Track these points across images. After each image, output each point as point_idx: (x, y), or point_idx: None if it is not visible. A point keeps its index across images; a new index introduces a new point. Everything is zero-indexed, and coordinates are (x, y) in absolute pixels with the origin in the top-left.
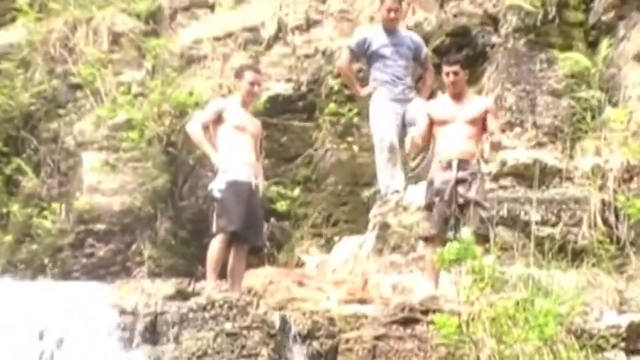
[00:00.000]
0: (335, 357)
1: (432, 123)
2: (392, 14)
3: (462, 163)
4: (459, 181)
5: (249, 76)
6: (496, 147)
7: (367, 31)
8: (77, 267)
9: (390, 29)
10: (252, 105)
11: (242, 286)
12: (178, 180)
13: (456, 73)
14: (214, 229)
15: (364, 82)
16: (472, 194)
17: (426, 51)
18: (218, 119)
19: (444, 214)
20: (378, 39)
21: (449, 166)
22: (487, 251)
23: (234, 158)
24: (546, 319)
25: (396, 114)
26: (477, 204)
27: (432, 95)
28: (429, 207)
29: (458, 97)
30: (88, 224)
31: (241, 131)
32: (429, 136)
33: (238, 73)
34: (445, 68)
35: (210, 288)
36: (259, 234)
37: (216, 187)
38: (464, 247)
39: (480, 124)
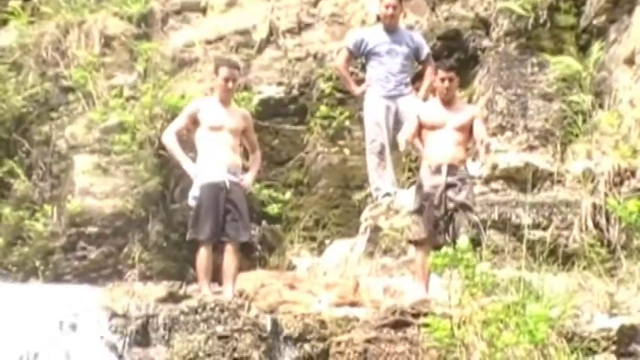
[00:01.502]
0: None
1: (421, 126)
2: (390, 10)
3: (451, 169)
4: (449, 186)
5: (223, 72)
6: (487, 150)
7: (364, 31)
8: (69, 270)
9: (390, 27)
10: (230, 99)
11: (236, 285)
12: (170, 183)
13: (451, 80)
14: (187, 236)
15: (363, 84)
16: (462, 198)
17: (427, 50)
18: (195, 121)
19: (433, 218)
20: (375, 38)
21: (438, 170)
22: (478, 255)
23: (207, 160)
24: (537, 322)
25: (388, 110)
26: (467, 208)
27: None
28: (418, 211)
29: (448, 103)
30: (79, 227)
31: (217, 131)
32: (418, 138)
33: (215, 69)
34: (441, 74)
35: (203, 293)
36: (243, 229)
37: (192, 194)
38: (457, 254)
39: (468, 130)
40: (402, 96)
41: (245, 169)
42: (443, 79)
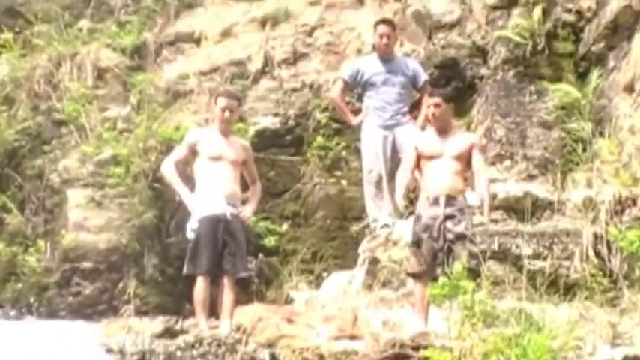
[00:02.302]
0: None
1: (419, 157)
2: (384, 40)
3: (450, 200)
4: (447, 217)
5: (220, 102)
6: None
7: (360, 61)
8: (63, 306)
9: (385, 56)
10: (229, 129)
11: (233, 319)
12: (165, 216)
13: (436, 105)
14: (184, 270)
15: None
16: (461, 229)
17: (424, 77)
18: (194, 152)
19: (432, 249)
20: (371, 68)
21: (436, 202)
22: (478, 286)
23: (207, 192)
24: (539, 353)
25: (386, 140)
26: (467, 239)
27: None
28: (417, 243)
29: (443, 131)
30: (74, 262)
31: (216, 161)
32: (417, 170)
33: (214, 100)
34: (427, 100)
35: (200, 327)
36: (240, 263)
37: (190, 226)
38: (454, 283)
39: (466, 160)
40: (399, 125)
41: (243, 202)
42: (428, 106)
